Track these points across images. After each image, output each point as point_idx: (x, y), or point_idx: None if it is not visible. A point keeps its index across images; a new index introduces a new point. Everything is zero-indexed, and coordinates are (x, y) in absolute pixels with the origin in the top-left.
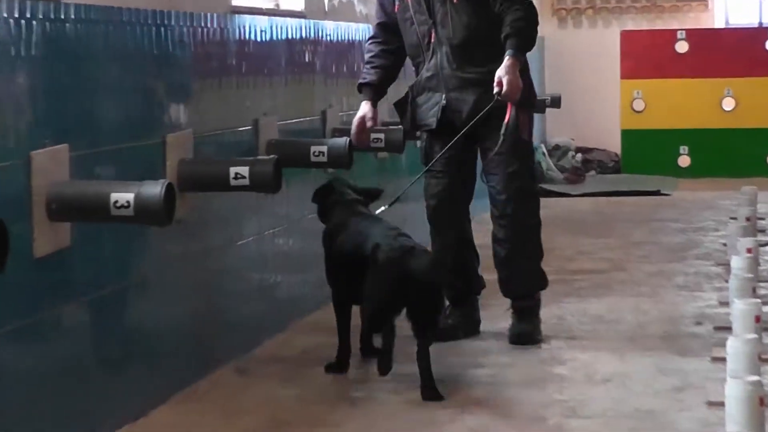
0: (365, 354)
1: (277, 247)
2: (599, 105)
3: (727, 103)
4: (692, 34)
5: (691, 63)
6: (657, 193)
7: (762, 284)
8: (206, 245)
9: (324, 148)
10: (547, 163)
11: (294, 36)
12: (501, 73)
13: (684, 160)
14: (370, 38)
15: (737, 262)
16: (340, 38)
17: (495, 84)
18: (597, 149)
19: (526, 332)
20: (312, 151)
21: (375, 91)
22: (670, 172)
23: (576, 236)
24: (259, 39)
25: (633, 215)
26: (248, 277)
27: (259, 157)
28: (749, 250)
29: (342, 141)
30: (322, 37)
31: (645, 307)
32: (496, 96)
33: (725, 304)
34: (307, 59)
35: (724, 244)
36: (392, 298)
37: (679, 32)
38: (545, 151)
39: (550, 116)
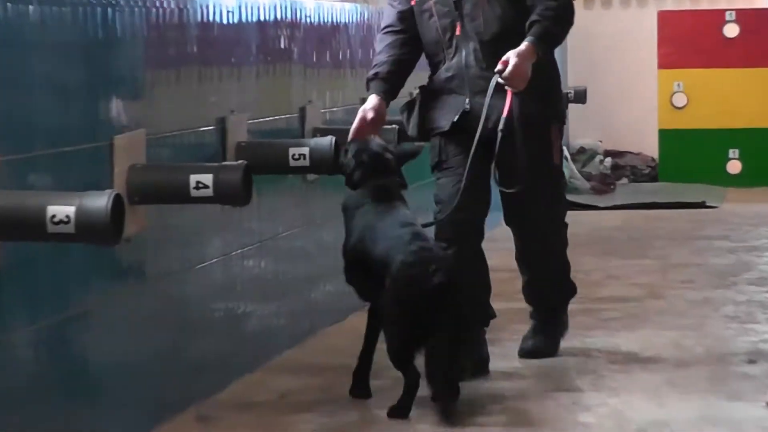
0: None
1: (246, 271)
2: (632, 100)
3: None
4: (744, 15)
5: (742, 49)
6: (701, 205)
7: None
8: (161, 269)
9: (305, 150)
10: (570, 169)
11: (267, 18)
12: (511, 53)
13: (734, 166)
14: (384, 27)
15: None
16: (322, 20)
17: (500, 62)
18: (630, 153)
19: (540, 347)
20: (291, 154)
21: (386, 85)
22: (718, 180)
23: (604, 257)
24: (225, 21)
25: (672, 232)
26: (212, 306)
27: (226, 162)
28: None
29: (327, 141)
30: (300, 19)
31: (687, 342)
32: (496, 74)
33: None
34: (282, 46)
35: None
36: (413, 324)
37: (728, 13)
38: (568, 155)
39: (574, 113)
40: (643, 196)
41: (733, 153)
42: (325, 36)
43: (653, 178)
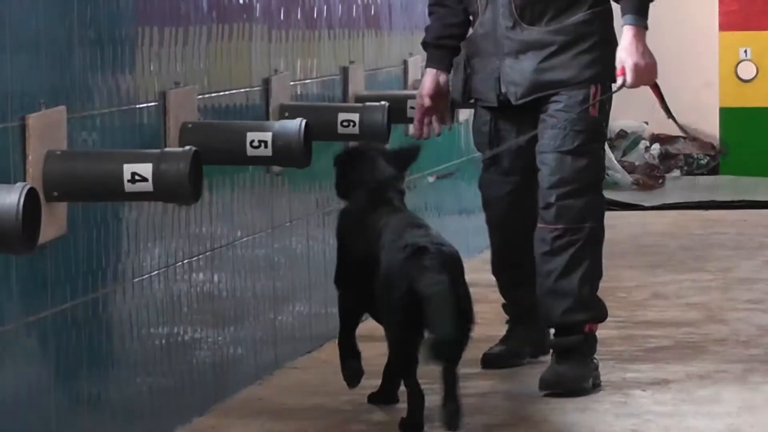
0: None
1: (195, 287)
2: (686, 71)
3: None
4: None
5: None
6: None
7: None
8: (85, 283)
9: (267, 136)
10: (608, 158)
11: None
12: (623, 55)
13: None
14: None
15: None
16: None
17: (617, 72)
18: (683, 138)
19: (566, 377)
20: (249, 141)
21: (445, 52)
22: None
23: (650, 270)
24: None
25: (738, 239)
26: (151, 332)
27: (169, 149)
28: None
29: (295, 124)
30: None
31: (755, 378)
32: (618, 88)
33: None
34: (243, 4)
35: None
36: (404, 315)
37: None
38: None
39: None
40: (699, 193)
41: None
42: None
43: (713, 169)
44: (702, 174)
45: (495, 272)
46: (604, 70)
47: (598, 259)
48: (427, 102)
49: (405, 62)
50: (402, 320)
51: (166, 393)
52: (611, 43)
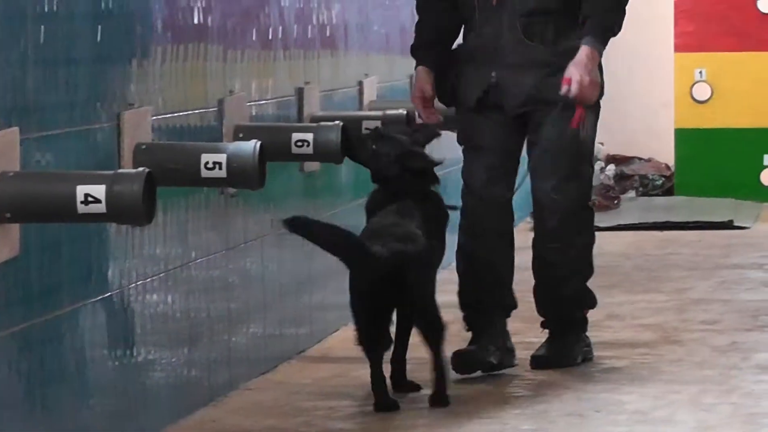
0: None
1: (149, 308)
2: (643, 92)
3: None
4: None
5: None
6: (729, 225)
7: None
8: (33, 308)
9: (222, 158)
10: None
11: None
12: (572, 68)
13: None
14: None
15: None
16: None
17: (563, 81)
18: (638, 159)
19: (559, 353)
20: (204, 162)
21: (432, 53)
22: (750, 193)
23: (606, 291)
24: None
25: (693, 259)
26: (103, 354)
27: (123, 170)
28: None
29: (250, 147)
30: None
31: (711, 400)
32: (562, 96)
33: None
34: (196, 20)
35: None
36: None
37: None
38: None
39: None
40: (655, 214)
41: None
42: (250, 8)
43: (668, 190)
44: (657, 195)
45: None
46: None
47: (590, 263)
48: (429, 91)
49: (360, 83)
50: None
51: (120, 415)
52: (600, 68)
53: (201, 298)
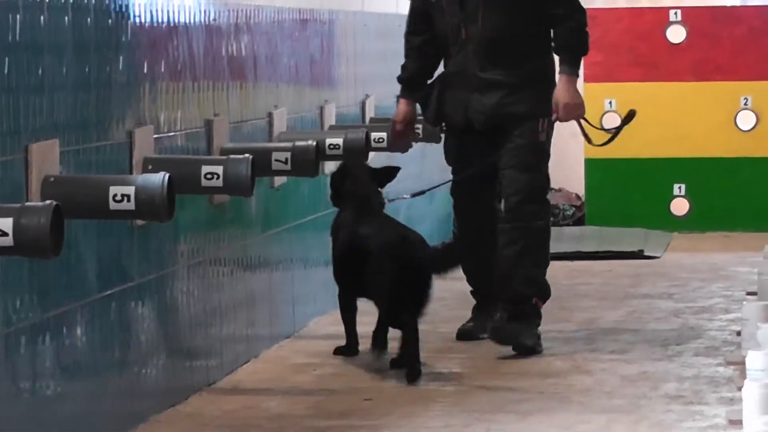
0: (376, 345)
1: (53, 341)
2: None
3: (744, 119)
4: (692, 15)
5: (690, 58)
6: (639, 255)
7: None
8: None
9: (130, 190)
10: None
11: (81, 16)
12: (557, 96)
13: (680, 205)
14: (409, 27)
15: (757, 361)
16: (156, 20)
17: (552, 109)
18: (554, 189)
19: (518, 332)
20: (112, 194)
21: (413, 87)
22: (659, 222)
23: None
24: (26, 19)
25: (603, 289)
26: (11, 385)
27: (30, 203)
28: None
29: (158, 179)
30: (128, 17)
31: (619, 430)
32: (554, 120)
33: (738, 423)
34: (104, 52)
35: (738, 333)
36: (397, 287)
37: (672, 12)
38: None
39: None
40: (565, 244)
41: (679, 189)
42: (162, 39)
43: (578, 220)
44: (568, 224)
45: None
46: (549, 106)
47: (546, 250)
48: (399, 127)
49: (270, 114)
50: (392, 290)
51: None
52: (554, 85)
53: (107, 330)
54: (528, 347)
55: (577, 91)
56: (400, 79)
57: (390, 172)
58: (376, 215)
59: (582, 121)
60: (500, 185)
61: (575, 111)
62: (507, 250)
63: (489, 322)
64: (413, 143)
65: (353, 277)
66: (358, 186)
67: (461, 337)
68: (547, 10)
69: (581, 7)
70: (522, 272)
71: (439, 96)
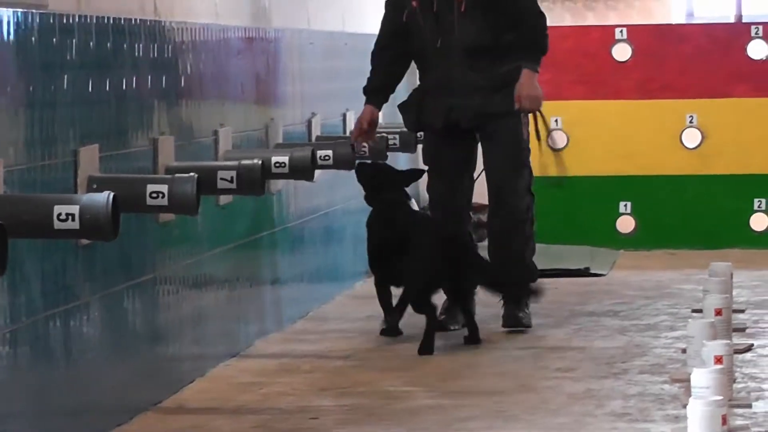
0: (390, 314)
1: (4, 359)
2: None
3: (689, 136)
4: (638, 33)
5: (636, 76)
6: (584, 273)
7: (738, 411)
8: None
9: (75, 209)
10: None
11: (26, 34)
12: (519, 88)
13: (625, 223)
14: (379, 41)
15: (701, 379)
16: (103, 38)
17: (515, 99)
18: None
19: (525, 319)
20: (56, 214)
21: (379, 96)
22: (605, 240)
23: (462, 339)
24: None
25: (549, 307)
26: None
27: None
28: (719, 360)
29: (103, 198)
30: (70, 36)
31: None
32: (517, 110)
33: None
34: (51, 73)
35: (684, 351)
36: (436, 269)
37: (618, 30)
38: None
39: (414, 157)
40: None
41: (625, 207)
42: (104, 58)
43: None
44: None
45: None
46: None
47: (534, 242)
48: (365, 124)
49: (216, 132)
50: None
51: None
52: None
53: (50, 350)
54: (529, 326)
55: (537, 85)
56: (365, 90)
57: (416, 174)
58: (408, 210)
59: (538, 118)
60: (490, 185)
61: (536, 102)
62: (507, 245)
63: (459, 314)
64: (372, 144)
65: (387, 266)
66: (389, 185)
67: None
68: (514, 16)
69: (542, 12)
70: (522, 265)
71: (418, 104)
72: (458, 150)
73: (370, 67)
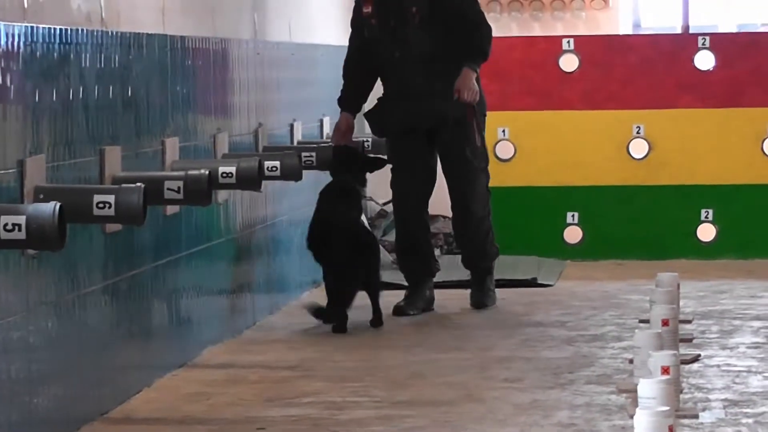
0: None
1: None
2: None
3: (636, 147)
4: (585, 44)
5: (583, 87)
6: (532, 283)
7: (685, 422)
8: None
9: (21, 219)
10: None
11: None
12: (458, 83)
13: (573, 233)
14: (348, 56)
15: (648, 389)
16: (50, 48)
17: (454, 92)
18: (442, 217)
19: (487, 299)
20: (3, 224)
21: (352, 104)
22: (552, 251)
23: (409, 349)
24: None
25: (496, 317)
26: None
27: None
28: (666, 370)
29: (49, 208)
30: (17, 47)
31: None
32: (456, 101)
33: None
34: None
35: (630, 361)
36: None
37: (565, 41)
38: (365, 221)
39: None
40: (458, 272)
41: (572, 217)
42: (50, 68)
43: None
44: (458, 252)
45: (399, 252)
46: (479, 108)
47: (491, 227)
48: (343, 128)
49: (163, 143)
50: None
51: None
52: (477, 81)
53: (1, 360)
54: (493, 304)
55: (474, 82)
56: (339, 101)
57: (377, 162)
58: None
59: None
60: (451, 192)
61: (473, 94)
62: (471, 237)
63: (420, 301)
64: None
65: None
66: (349, 166)
67: (396, 313)
68: (463, 27)
69: (488, 23)
70: (488, 258)
71: (380, 111)
72: (416, 152)
73: (342, 80)
